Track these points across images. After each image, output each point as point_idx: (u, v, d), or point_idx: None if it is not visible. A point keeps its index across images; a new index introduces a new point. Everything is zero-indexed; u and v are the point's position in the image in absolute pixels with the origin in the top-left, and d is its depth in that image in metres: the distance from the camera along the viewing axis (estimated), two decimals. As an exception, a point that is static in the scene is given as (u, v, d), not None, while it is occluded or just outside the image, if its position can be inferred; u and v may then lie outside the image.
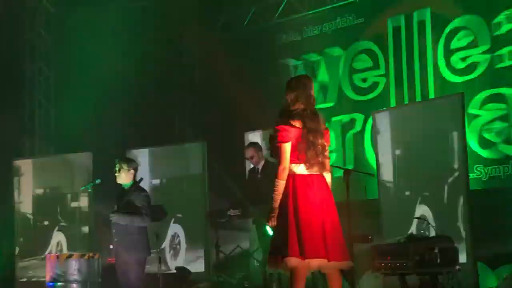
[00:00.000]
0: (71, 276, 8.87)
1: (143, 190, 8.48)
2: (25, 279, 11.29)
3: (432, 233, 7.44)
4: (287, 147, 5.90)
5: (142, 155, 11.43)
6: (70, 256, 9.01)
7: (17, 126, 12.36)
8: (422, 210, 8.04)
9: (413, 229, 7.58)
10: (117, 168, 8.40)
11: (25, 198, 11.60)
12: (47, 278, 8.98)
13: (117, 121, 11.79)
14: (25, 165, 11.81)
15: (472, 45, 10.10)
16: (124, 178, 8.38)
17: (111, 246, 8.49)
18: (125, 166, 8.39)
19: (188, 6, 13.59)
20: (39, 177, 11.59)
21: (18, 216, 11.52)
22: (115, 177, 8.46)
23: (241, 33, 13.01)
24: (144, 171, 11.25)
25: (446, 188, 8.43)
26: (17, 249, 11.44)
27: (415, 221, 7.79)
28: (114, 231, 8.31)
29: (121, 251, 8.27)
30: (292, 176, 5.91)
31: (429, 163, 8.60)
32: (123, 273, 8.27)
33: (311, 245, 5.79)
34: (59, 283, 8.89)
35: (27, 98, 12.62)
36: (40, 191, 11.52)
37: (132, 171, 8.42)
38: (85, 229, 10.74)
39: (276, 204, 5.90)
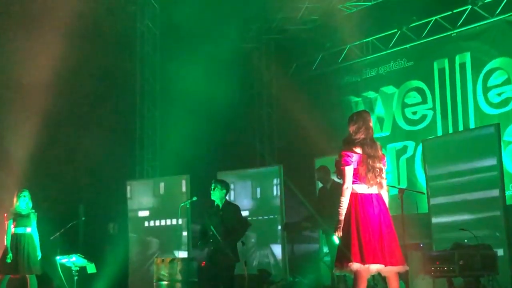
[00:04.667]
0: (174, 276, 8.90)
1: (234, 205, 8.52)
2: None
3: (475, 242, 7.27)
4: (349, 170, 5.88)
5: (230, 177, 11.51)
6: (173, 260, 9.06)
7: (130, 154, 12.58)
8: (466, 222, 7.87)
9: (458, 239, 7.41)
10: (212, 187, 8.39)
11: (135, 212, 11.77)
12: (155, 278, 9.04)
13: (208, 149, 11.88)
14: (136, 186, 11.98)
15: (506, 82, 9.94)
16: (217, 196, 8.38)
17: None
18: (219, 186, 8.40)
19: (266, 54, 13.75)
20: (146, 196, 11.74)
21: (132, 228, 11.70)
22: (210, 194, 8.46)
23: (310, 75, 13.06)
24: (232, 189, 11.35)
25: (486, 203, 8.26)
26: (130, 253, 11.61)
27: (459, 232, 7.62)
28: (211, 240, 8.30)
29: (215, 256, 8.26)
30: (355, 194, 5.87)
31: (471, 183, 8.44)
32: (216, 275, 8.26)
33: (371, 252, 5.74)
34: (164, 282, 8.95)
35: (138, 131, 12.82)
36: (147, 207, 11.67)
37: (224, 191, 8.42)
38: (184, 237, 10.79)
39: (342, 217, 5.86)
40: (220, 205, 8.30)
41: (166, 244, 11.21)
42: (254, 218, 11.00)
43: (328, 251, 9.72)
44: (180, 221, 10.89)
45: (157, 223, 11.45)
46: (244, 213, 10.93)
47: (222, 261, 8.19)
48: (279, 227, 10.89)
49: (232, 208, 8.34)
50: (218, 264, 8.20)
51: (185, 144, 11.75)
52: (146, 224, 11.58)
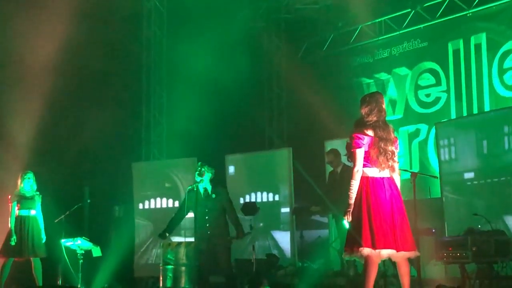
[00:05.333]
0: (180, 260, 8.96)
1: (223, 186, 8.53)
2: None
3: (489, 227, 7.27)
4: (360, 153, 5.88)
5: (238, 160, 11.53)
6: (179, 244, 9.12)
7: (136, 135, 12.60)
8: (480, 207, 7.86)
9: (471, 224, 7.40)
10: (200, 170, 8.34)
11: (139, 195, 11.79)
12: (162, 262, 9.11)
13: (216, 131, 11.89)
14: (142, 168, 12.00)
15: (523, 64, 9.90)
16: (206, 178, 8.35)
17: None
18: (206, 168, 8.36)
19: (276, 34, 13.69)
20: (152, 178, 11.75)
21: (136, 211, 11.71)
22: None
23: (321, 56, 13.03)
24: (239, 173, 11.36)
25: (500, 188, 8.25)
26: (136, 238, 11.66)
27: (473, 217, 7.62)
28: (208, 225, 8.31)
29: (212, 241, 8.26)
30: (366, 178, 5.88)
31: (486, 166, 8.42)
32: (215, 259, 8.28)
33: (382, 237, 5.75)
34: (170, 266, 9.01)
35: (145, 112, 12.84)
36: (152, 190, 11.68)
37: (211, 174, 8.39)
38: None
39: (352, 201, 5.87)
40: (209, 189, 8.28)
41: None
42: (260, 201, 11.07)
43: (337, 235, 9.76)
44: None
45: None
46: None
47: (218, 245, 8.20)
48: (282, 211, 10.91)
49: (223, 190, 8.39)
50: (215, 248, 8.20)
51: (192, 126, 11.76)
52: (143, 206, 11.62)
